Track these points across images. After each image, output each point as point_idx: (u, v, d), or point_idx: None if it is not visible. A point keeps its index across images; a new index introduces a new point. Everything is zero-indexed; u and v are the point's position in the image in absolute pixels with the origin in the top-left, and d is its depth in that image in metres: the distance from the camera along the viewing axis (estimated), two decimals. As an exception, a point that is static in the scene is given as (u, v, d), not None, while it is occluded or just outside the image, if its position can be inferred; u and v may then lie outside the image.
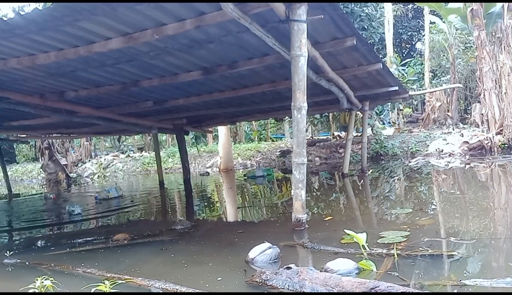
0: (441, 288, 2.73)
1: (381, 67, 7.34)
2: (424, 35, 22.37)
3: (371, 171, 11.37)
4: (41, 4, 13.46)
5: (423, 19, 22.54)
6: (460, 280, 2.76)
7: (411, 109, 25.50)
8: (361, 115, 11.93)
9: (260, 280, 2.98)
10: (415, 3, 22.45)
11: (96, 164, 21.91)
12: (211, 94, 8.39)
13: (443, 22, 19.61)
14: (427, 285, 2.76)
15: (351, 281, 2.63)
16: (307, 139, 12.97)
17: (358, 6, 14.27)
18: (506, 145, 13.20)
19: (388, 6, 20.81)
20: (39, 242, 5.50)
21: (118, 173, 20.53)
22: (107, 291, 2.74)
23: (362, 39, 6.13)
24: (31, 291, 2.85)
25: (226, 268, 3.55)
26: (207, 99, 8.64)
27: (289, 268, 2.94)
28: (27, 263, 4.19)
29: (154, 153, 16.09)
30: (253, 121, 23.39)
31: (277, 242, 3.83)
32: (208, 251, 4.18)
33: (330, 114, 18.06)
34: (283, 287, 2.83)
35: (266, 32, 4.68)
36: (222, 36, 5.10)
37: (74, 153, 23.44)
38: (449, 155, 13.69)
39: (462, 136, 14.79)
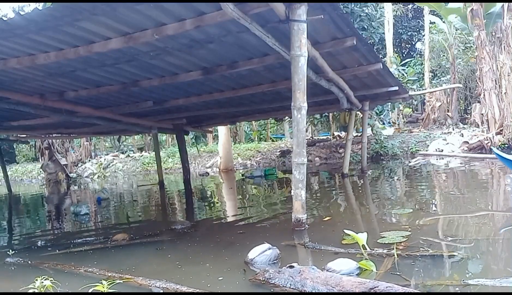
0: (444, 288, 2.72)
1: (381, 67, 7.34)
2: (424, 35, 22.38)
3: (371, 171, 11.36)
4: (41, 4, 13.45)
5: (423, 19, 22.55)
6: (463, 280, 2.75)
7: (411, 109, 25.50)
8: (361, 115, 11.93)
9: (263, 279, 3.00)
10: (415, 3, 22.44)
11: (96, 164, 21.89)
12: (211, 94, 8.39)
13: (443, 22, 19.62)
14: (430, 285, 2.76)
15: (351, 281, 2.64)
16: (307, 139, 12.98)
17: (358, 6, 14.26)
18: (506, 145, 13.19)
19: (388, 6, 20.80)
20: (40, 242, 5.49)
21: (118, 173, 20.50)
22: (105, 291, 2.74)
23: (362, 39, 6.12)
24: (30, 291, 2.85)
25: (226, 268, 3.55)
26: (207, 99, 8.64)
27: (291, 267, 2.95)
28: (29, 262, 4.19)
29: (154, 153, 16.08)
30: (253, 121, 23.40)
31: (277, 242, 3.83)
32: (208, 252, 4.17)
33: (330, 114, 18.07)
34: (285, 286, 2.84)
35: (266, 32, 4.67)
36: (222, 36, 5.10)
37: (74, 153, 23.42)
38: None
39: (462, 136, 14.79)
